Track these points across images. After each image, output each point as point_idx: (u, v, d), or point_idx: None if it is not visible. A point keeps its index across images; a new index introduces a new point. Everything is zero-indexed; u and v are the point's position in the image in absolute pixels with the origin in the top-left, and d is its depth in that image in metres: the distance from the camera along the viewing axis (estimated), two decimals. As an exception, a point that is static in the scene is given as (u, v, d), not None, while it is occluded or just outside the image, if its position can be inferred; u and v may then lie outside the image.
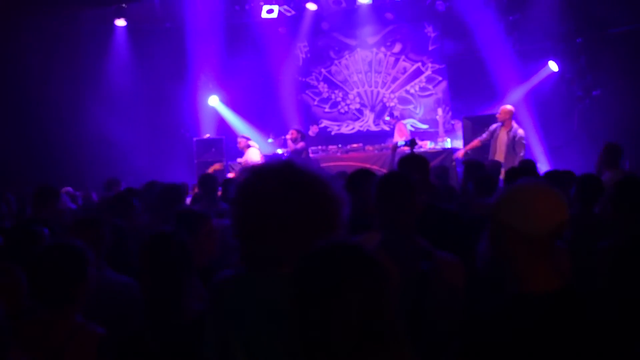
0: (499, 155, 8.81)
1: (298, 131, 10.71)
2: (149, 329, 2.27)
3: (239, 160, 10.84)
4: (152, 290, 2.32)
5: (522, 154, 8.67)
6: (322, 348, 1.31)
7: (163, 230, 2.46)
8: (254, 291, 1.70)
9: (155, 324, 2.27)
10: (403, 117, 12.35)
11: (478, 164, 5.78)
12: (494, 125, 9.16)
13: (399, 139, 11.16)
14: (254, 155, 10.63)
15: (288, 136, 10.81)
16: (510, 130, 8.91)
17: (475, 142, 9.52)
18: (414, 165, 3.58)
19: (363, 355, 1.31)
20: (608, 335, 1.62)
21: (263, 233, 1.67)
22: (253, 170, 1.76)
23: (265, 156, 11.01)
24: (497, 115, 9.21)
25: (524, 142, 8.83)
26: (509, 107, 9.25)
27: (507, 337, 1.66)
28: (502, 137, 8.96)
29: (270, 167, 1.75)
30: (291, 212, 1.65)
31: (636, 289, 2.77)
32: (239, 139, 11.04)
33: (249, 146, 10.82)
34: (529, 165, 5.80)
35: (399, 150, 7.45)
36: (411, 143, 7.35)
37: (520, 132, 8.89)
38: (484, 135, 9.31)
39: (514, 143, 8.76)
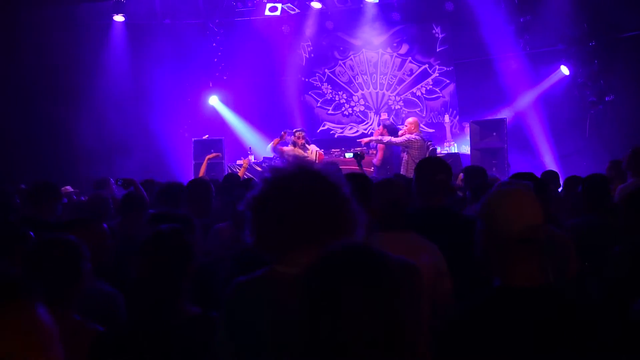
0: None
1: (385, 126, 9.84)
2: (143, 327, 2.24)
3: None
4: (150, 287, 2.28)
5: None
6: (330, 356, 1.27)
7: (168, 227, 2.45)
8: (275, 293, 1.71)
9: (150, 322, 2.23)
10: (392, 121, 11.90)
11: (478, 170, 5.48)
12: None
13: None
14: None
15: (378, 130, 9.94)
16: None
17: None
18: (438, 166, 3.54)
19: None
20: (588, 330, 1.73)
21: (285, 234, 1.71)
22: (273, 170, 1.81)
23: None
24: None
25: None
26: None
27: (490, 326, 1.76)
28: None
29: (291, 167, 1.79)
30: (312, 212, 1.69)
31: None
32: None
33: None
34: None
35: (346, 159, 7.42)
36: (357, 156, 7.29)
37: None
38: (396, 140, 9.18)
39: None
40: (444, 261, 2.86)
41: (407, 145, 8.91)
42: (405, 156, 8.98)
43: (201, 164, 10.95)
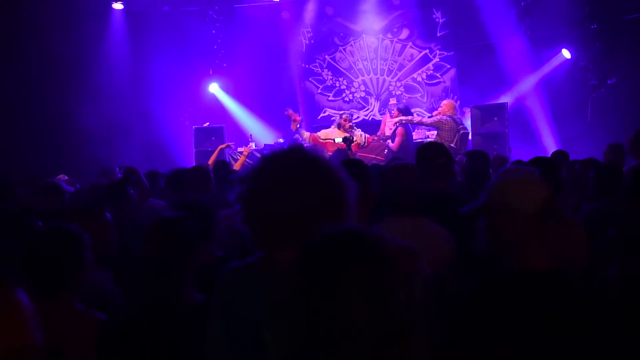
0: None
1: (400, 110, 9.46)
2: (148, 315, 2.25)
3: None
4: (153, 274, 2.29)
5: None
6: (326, 341, 1.25)
7: (173, 214, 2.46)
8: (271, 279, 1.68)
9: (154, 309, 2.25)
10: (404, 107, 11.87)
11: (480, 155, 5.45)
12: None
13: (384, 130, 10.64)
14: None
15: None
16: None
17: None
18: (438, 150, 3.57)
19: (370, 350, 1.25)
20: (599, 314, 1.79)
21: (273, 219, 1.66)
22: (265, 155, 1.75)
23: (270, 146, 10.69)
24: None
25: None
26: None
27: (506, 307, 1.78)
28: None
29: (282, 152, 1.75)
30: (302, 197, 1.64)
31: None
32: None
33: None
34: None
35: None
36: (347, 140, 7.25)
37: None
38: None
39: None
40: (452, 248, 2.84)
41: (438, 125, 8.84)
42: (436, 137, 8.88)
43: (202, 151, 11.02)
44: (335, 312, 1.25)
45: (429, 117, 9.53)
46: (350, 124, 9.05)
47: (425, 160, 3.52)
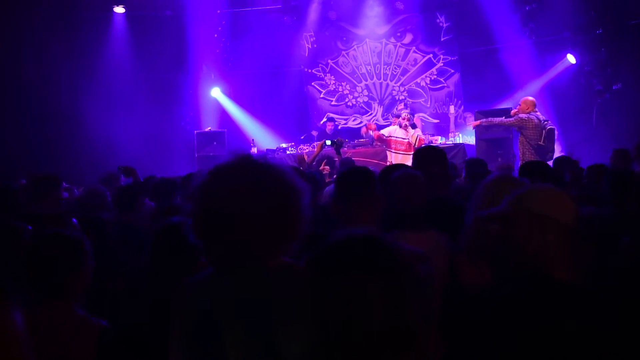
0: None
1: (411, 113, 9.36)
2: (148, 322, 2.22)
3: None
4: (156, 280, 2.28)
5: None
6: (342, 348, 1.25)
7: (180, 219, 2.43)
8: (226, 291, 1.65)
9: (155, 317, 2.19)
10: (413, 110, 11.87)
11: (479, 162, 5.39)
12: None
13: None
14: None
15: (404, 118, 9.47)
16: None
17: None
18: (432, 158, 3.46)
19: (386, 355, 1.25)
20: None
21: (226, 232, 1.64)
22: (213, 168, 1.72)
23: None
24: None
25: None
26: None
27: (535, 316, 1.74)
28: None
29: (230, 164, 1.72)
30: (253, 208, 1.62)
31: None
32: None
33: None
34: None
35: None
36: (335, 144, 7.18)
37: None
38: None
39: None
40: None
41: (520, 125, 8.27)
42: (520, 138, 8.39)
43: (204, 156, 10.98)
44: (351, 319, 1.24)
45: (505, 118, 8.83)
46: (407, 122, 9.11)
47: (420, 168, 3.43)
